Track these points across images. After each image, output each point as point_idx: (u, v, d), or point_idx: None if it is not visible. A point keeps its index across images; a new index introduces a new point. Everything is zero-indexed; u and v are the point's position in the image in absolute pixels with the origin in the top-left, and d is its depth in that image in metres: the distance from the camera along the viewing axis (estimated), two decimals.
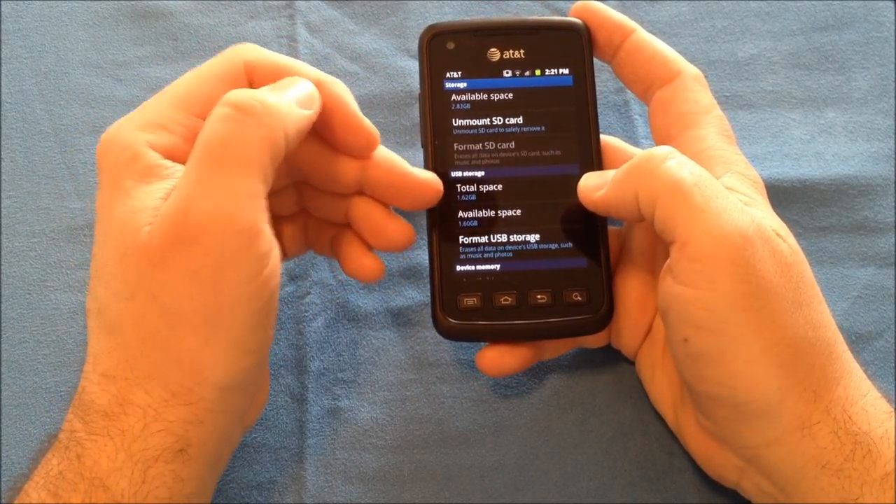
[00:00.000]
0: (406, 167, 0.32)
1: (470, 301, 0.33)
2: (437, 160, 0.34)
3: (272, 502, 0.35)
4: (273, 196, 0.34)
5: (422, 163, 0.34)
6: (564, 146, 0.34)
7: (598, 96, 0.35)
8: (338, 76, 0.32)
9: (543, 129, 0.34)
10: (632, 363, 0.36)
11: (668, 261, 0.30)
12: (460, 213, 0.34)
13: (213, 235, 0.26)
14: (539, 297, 0.33)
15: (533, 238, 0.34)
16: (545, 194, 0.34)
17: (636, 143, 0.41)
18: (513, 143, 0.34)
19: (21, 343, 0.37)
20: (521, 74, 0.35)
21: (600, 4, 0.35)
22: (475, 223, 0.34)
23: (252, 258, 0.27)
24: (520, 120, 0.34)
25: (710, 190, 0.29)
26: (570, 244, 0.34)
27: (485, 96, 0.35)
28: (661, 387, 0.34)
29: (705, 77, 0.34)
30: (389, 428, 0.36)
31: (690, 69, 0.34)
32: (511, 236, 0.34)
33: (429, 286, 0.34)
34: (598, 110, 0.35)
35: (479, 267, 0.33)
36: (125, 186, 0.28)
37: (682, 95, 0.33)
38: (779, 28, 0.44)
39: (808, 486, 0.28)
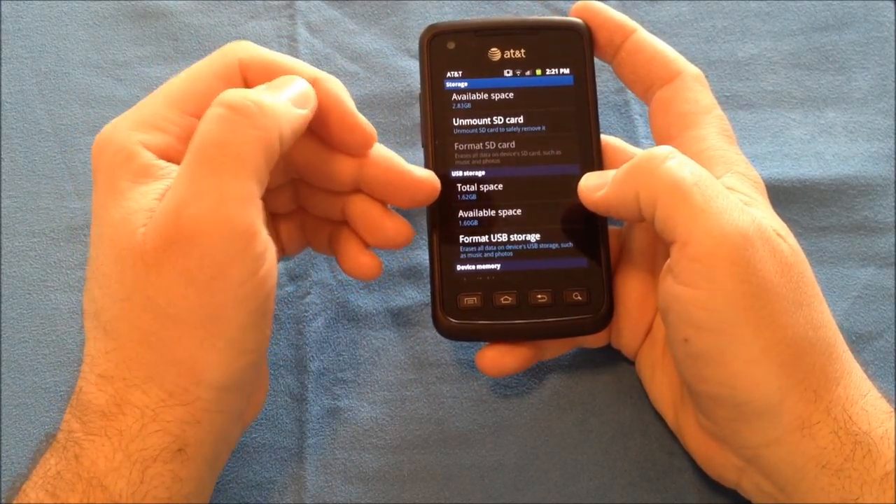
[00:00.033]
0: (403, 165, 0.32)
1: (470, 301, 0.33)
2: (438, 160, 0.34)
3: (272, 502, 0.35)
4: (270, 194, 0.34)
5: (422, 162, 0.34)
6: (565, 146, 0.34)
7: (599, 96, 0.35)
8: (338, 76, 0.32)
9: (544, 128, 0.34)
10: (632, 363, 0.36)
11: (669, 261, 0.30)
12: (461, 213, 0.34)
13: (208, 237, 0.26)
14: (539, 296, 0.33)
15: (533, 238, 0.34)
16: (545, 194, 0.34)
17: (636, 143, 0.41)
18: (513, 143, 0.34)
19: (21, 343, 0.37)
20: (522, 74, 0.35)
21: (601, 4, 0.35)
22: (475, 223, 0.34)
23: (247, 259, 0.27)
24: (520, 120, 0.34)
25: (710, 190, 0.29)
26: (570, 244, 0.34)
27: (485, 96, 0.35)
28: (661, 387, 0.34)
29: (706, 77, 0.34)
30: (389, 428, 0.36)
31: (691, 69, 0.34)
32: (511, 236, 0.34)
33: (429, 286, 0.34)
34: (599, 110, 0.35)
35: (479, 266, 0.33)
36: (120, 187, 0.28)
37: (682, 95, 0.33)
38: (779, 28, 0.44)
39: (808, 486, 0.28)
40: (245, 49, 0.31)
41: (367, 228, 0.33)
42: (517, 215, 0.34)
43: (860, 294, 0.39)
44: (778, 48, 0.44)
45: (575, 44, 0.35)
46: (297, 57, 0.38)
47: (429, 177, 0.32)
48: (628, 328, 0.35)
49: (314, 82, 0.30)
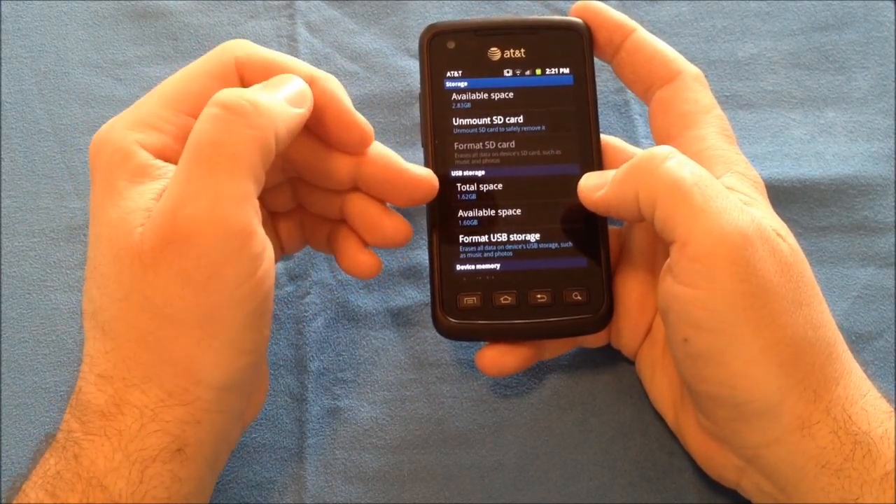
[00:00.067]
0: (401, 163, 0.32)
1: (470, 300, 0.33)
2: (438, 160, 0.34)
3: (272, 502, 0.35)
4: (269, 193, 0.34)
5: (422, 162, 0.34)
6: (565, 146, 0.34)
7: (599, 96, 0.35)
8: (338, 76, 0.32)
9: (544, 128, 0.34)
10: (632, 363, 0.36)
11: (668, 261, 0.30)
12: (460, 213, 0.34)
13: (205, 237, 0.26)
14: (539, 296, 0.33)
15: (533, 237, 0.34)
16: (545, 194, 0.34)
17: (636, 143, 0.41)
18: (513, 143, 0.34)
19: (21, 343, 0.37)
20: (522, 74, 0.35)
21: (601, 4, 0.35)
22: (475, 222, 0.34)
23: (245, 260, 0.27)
24: (520, 119, 0.34)
25: (710, 190, 0.29)
26: (570, 244, 0.34)
27: (485, 96, 0.35)
28: (661, 387, 0.34)
29: (705, 77, 0.34)
30: (389, 428, 0.36)
31: (691, 69, 0.34)
32: (511, 236, 0.34)
33: (429, 286, 0.34)
34: (599, 110, 0.35)
35: (479, 266, 0.33)
36: (118, 187, 0.28)
37: (682, 95, 0.33)
38: (779, 28, 0.44)
39: (808, 485, 0.28)
40: (242, 47, 0.31)
41: (366, 227, 0.33)
42: (517, 215, 0.34)
43: (860, 294, 0.39)
44: (778, 48, 0.44)
45: (575, 43, 0.35)
46: (296, 57, 0.38)
47: (427, 175, 0.32)
48: (628, 328, 0.35)
49: (311, 81, 0.30)
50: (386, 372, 0.37)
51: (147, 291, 0.27)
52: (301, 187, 0.35)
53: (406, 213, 0.34)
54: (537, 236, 0.34)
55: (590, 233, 0.34)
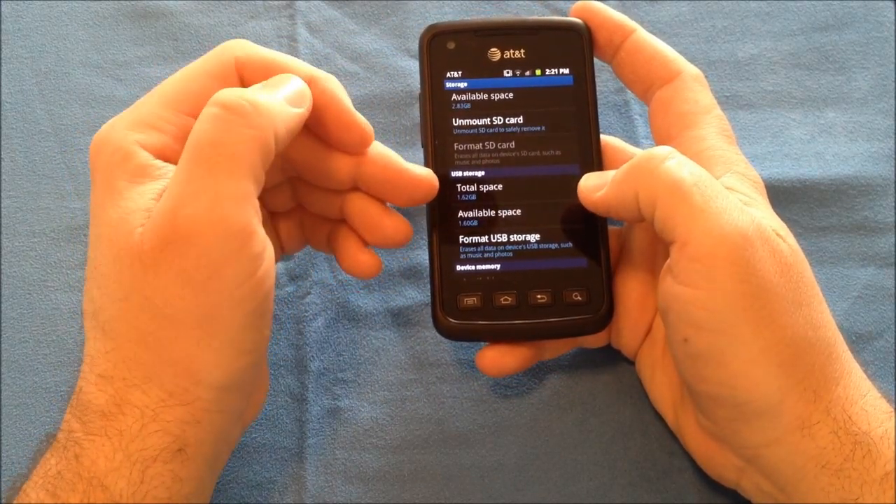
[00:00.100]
0: (401, 163, 0.32)
1: (470, 301, 0.33)
2: (438, 160, 0.34)
3: (272, 502, 0.35)
4: (269, 192, 0.34)
5: (422, 162, 0.34)
6: (564, 146, 0.34)
7: (599, 96, 0.35)
8: (338, 76, 0.32)
9: (544, 128, 0.34)
10: (632, 363, 0.36)
11: (668, 261, 0.30)
12: (460, 213, 0.34)
13: (205, 238, 0.26)
14: (539, 296, 0.33)
15: (533, 238, 0.34)
16: (545, 194, 0.34)
17: (636, 143, 0.41)
18: (513, 143, 0.34)
19: (21, 343, 0.37)
20: (522, 74, 0.35)
21: (600, 4, 0.35)
22: (475, 223, 0.34)
23: (245, 260, 0.27)
24: (520, 120, 0.34)
25: (709, 190, 0.29)
26: (570, 244, 0.34)
27: (485, 96, 0.35)
28: (661, 387, 0.34)
29: (705, 77, 0.34)
30: (389, 428, 0.36)
31: (691, 69, 0.34)
32: (511, 236, 0.34)
33: (429, 286, 0.34)
34: (599, 110, 0.35)
35: (479, 267, 0.33)
36: (118, 187, 0.28)
37: (682, 95, 0.33)
38: (779, 28, 0.44)
39: (808, 486, 0.28)
40: (241, 47, 0.31)
41: (366, 227, 0.33)
42: (517, 215, 0.34)
43: (860, 294, 0.39)
44: (778, 48, 0.44)
45: (574, 44, 0.35)
46: (297, 57, 0.38)
47: (427, 175, 0.32)
48: (628, 328, 0.35)
49: (311, 81, 0.30)
50: (386, 372, 0.37)
51: (147, 291, 0.27)
52: (301, 187, 0.35)
53: (406, 213, 0.34)
54: (537, 237, 0.34)
55: (590, 233, 0.34)
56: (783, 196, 0.40)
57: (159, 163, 0.28)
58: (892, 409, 0.29)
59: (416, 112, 0.41)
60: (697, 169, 0.29)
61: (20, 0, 0.44)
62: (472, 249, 0.34)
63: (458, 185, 0.34)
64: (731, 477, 0.31)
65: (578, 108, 0.34)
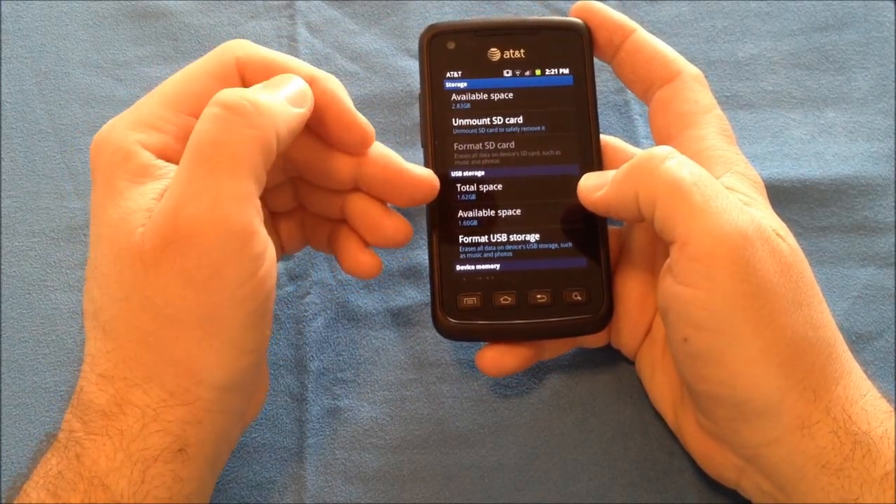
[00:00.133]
0: (402, 163, 0.32)
1: (470, 301, 0.33)
2: (437, 160, 0.34)
3: (272, 502, 0.35)
4: (270, 192, 0.34)
5: (422, 162, 0.34)
6: (564, 146, 0.34)
7: (599, 96, 0.35)
8: (338, 76, 0.32)
9: (543, 128, 0.34)
10: (632, 363, 0.36)
11: (668, 260, 0.30)
12: (460, 213, 0.34)
13: (206, 238, 0.26)
14: (539, 296, 0.33)
15: (533, 238, 0.34)
16: (545, 194, 0.34)
17: (636, 143, 0.41)
18: (513, 143, 0.34)
19: (21, 343, 0.37)
20: (522, 74, 0.35)
21: (600, 4, 0.35)
22: (475, 223, 0.34)
23: (246, 260, 0.27)
24: (520, 120, 0.34)
25: (709, 190, 0.29)
26: (569, 244, 0.34)
27: (485, 96, 0.35)
28: (661, 387, 0.34)
29: (705, 77, 0.34)
30: (389, 428, 0.36)
31: (690, 69, 0.34)
32: (511, 236, 0.34)
33: (429, 286, 0.34)
34: (599, 110, 0.35)
35: (478, 266, 0.33)
36: (119, 187, 0.28)
37: (682, 95, 0.33)
38: (779, 28, 0.44)
39: (808, 485, 0.28)
40: (242, 47, 0.31)
41: (367, 227, 0.33)
42: (517, 215, 0.34)
43: (860, 294, 0.39)
44: (778, 48, 0.44)
45: (574, 44, 0.35)
46: (297, 57, 0.38)
47: (427, 175, 0.32)
48: (628, 328, 0.35)
49: (312, 81, 0.30)
50: (386, 372, 0.37)
51: (148, 291, 0.27)
52: (302, 187, 0.35)
53: (406, 213, 0.34)
54: (537, 236, 0.34)
55: (590, 233, 0.34)
56: (783, 196, 0.40)
57: (160, 163, 0.28)
58: (892, 409, 0.29)
59: (416, 112, 0.41)
60: (697, 169, 0.29)
61: (20, 0, 0.44)
62: (471, 249, 0.34)
63: (458, 185, 0.34)
64: (731, 477, 0.31)
65: (578, 108, 0.34)
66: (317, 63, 0.42)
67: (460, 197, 0.34)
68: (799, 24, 0.44)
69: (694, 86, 0.33)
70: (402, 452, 0.36)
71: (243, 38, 0.31)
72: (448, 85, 0.35)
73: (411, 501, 0.35)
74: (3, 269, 0.39)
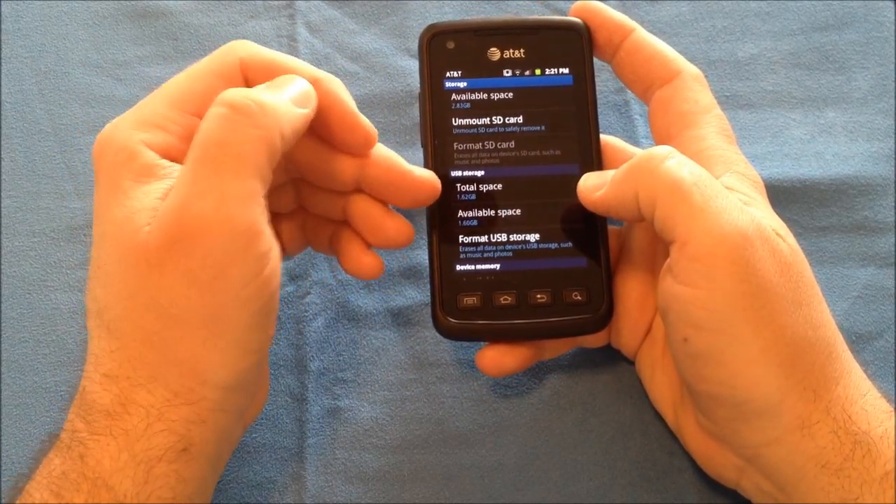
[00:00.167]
0: (404, 165, 0.32)
1: (470, 300, 0.33)
2: (437, 160, 0.34)
3: (272, 502, 0.35)
4: (271, 194, 0.34)
5: (422, 162, 0.34)
6: (564, 146, 0.34)
7: (599, 96, 0.35)
8: (338, 76, 0.32)
9: (543, 128, 0.34)
10: (632, 363, 0.36)
11: (668, 260, 0.30)
12: (460, 213, 0.34)
13: (212, 237, 0.26)
14: (539, 296, 0.33)
15: (533, 238, 0.34)
16: (545, 194, 0.34)
17: (636, 143, 0.41)
18: (513, 143, 0.34)
19: (21, 343, 0.37)
20: (521, 74, 0.35)
21: (600, 4, 0.35)
22: (475, 223, 0.34)
23: (251, 259, 0.27)
24: (520, 119, 0.34)
25: (709, 189, 0.29)
26: (569, 244, 0.34)
27: (485, 96, 0.35)
28: (661, 387, 0.34)
29: (705, 77, 0.34)
30: (389, 428, 0.36)
31: (690, 69, 0.34)
32: (511, 236, 0.34)
33: (429, 286, 0.34)
34: (599, 110, 0.35)
35: (478, 266, 0.33)
36: (122, 186, 0.28)
37: (682, 95, 0.33)
38: (779, 28, 0.44)
39: (808, 485, 0.28)
40: (246, 48, 0.31)
41: (369, 228, 0.33)
42: (517, 215, 0.34)
43: (860, 294, 0.39)
44: (778, 48, 0.44)
45: (574, 43, 0.35)
46: (297, 57, 0.38)
47: (430, 177, 0.33)
48: (628, 328, 0.35)
49: (315, 82, 0.30)
50: (386, 372, 0.37)
51: (153, 291, 0.27)
52: (304, 188, 0.35)
53: (406, 213, 0.34)
54: (537, 236, 0.34)
55: (589, 233, 0.34)
56: (783, 196, 0.40)
57: (165, 162, 0.28)
58: (892, 409, 0.29)
59: (416, 112, 0.41)
60: (697, 168, 0.29)
61: (20, 0, 0.44)
62: (471, 249, 0.34)
63: (458, 185, 0.34)
64: (731, 477, 0.31)
65: (578, 108, 0.34)
66: (317, 63, 0.42)
67: (460, 197, 0.34)
68: (799, 24, 0.44)
69: (694, 85, 0.33)
70: (402, 452, 0.36)
71: (243, 37, 0.32)
72: (448, 85, 0.35)
73: (411, 501, 0.35)
74: (3, 269, 0.39)
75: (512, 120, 0.34)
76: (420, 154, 0.35)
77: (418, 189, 0.32)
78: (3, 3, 0.44)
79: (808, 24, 0.44)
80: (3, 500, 0.34)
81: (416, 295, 0.39)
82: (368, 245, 0.34)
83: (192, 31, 0.44)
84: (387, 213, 0.33)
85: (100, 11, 0.44)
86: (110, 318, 0.27)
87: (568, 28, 0.35)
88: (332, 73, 0.32)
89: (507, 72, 0.35)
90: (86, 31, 0.44)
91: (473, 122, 0.34)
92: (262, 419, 0.36)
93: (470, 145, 0.34)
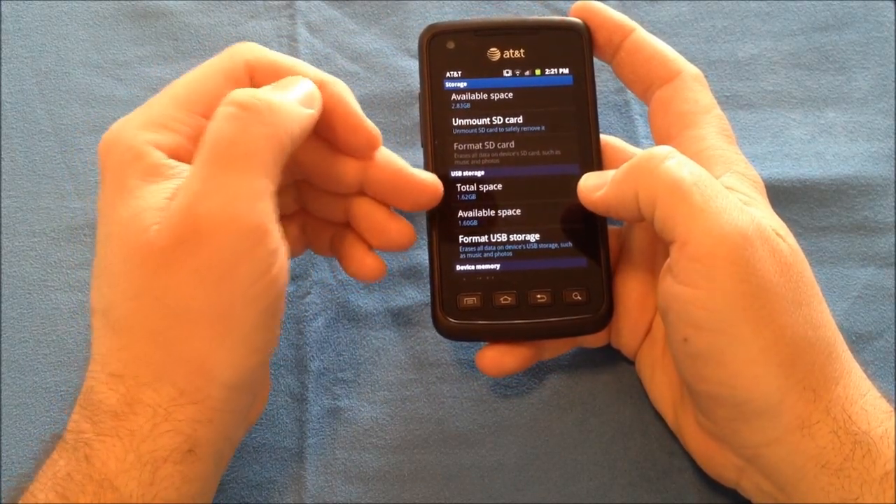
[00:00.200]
0: (407, 168, 0.33)
1: (470, 301, 0.33)
2: (437, 160, 0.34)
3: (272, 502, 0.35)
4: None
5: (422, 162, 0.34)
6: (564, 146, 0.34)
7: (599, 96, 0.35)
8: (338, 76, 0.32)
9: (543, 128, 0.34)
10: (632, 363, 0.36)
11: (668, 260, 0.30)
12: (460, 213, 0.34)
13: (222, 235, 0.26)
14: (539, 296, 0.33)
15: (533, 238, 0.34)
16: (545, 194, 0.34)
17: (636, 143, 0.41)
18: (513, 143, 0.34)
19: (21, 343, 0.37)
20: (521, 74, 0.35)
21: (600, 4, 0.35)
22: (475, 223, 0.34)
23: (260, 257, 0.27)
24: (520, 119, 0.34)
25: (709, 189, 0.29)
26: (569, 244, 0.34)
27: (485, 96, 0.35)
28: (661, 386, 0.34)
29: (705, 77, 0.34)
30: (389, 428, 0.36)
31: (690, 69, 0.34)
32: (511, 236, 0.34)
33: (429, 286, 0.34)
34: (599, 110, 0.35)
35: (478, 266, 0.33)
36: (129, 186, 0.28)
37: (682, 95, 0.33)
38: (779, 28, 0.44)
39: (808, 485, 0.28)
40: (252, 51, 0.31)
41: (372, 231, 0.33)
42: (517, 215, 0.34)
43: (860, 294, 0.39)
44: (778, 48, 0.44)
45: (574, 44, 0.35)
46: (297, 57, 0.38)
47: (433, 180, 0.33)
48: (628, 328, 0.35)
49: (320, 85, 0.31)
50: (386, 372, 0.37)
51: (160, 289, 0.27)
52: (306, 190, 0.35)
53: (406, 214, 0.34)
54: (537, 236, 0.34)
55: (589, 233, 0.34)
56: (783, 196, 0.40)
57: (172, 162, 0.29)
58: (892, 409, 0.29)
59: (416, 112, 0.41)
60: (697, 168, 0.29)
61: (20, 0, 0.44)
62: (471, 249, 0.34)
63: (458, 185, 0.34)
64: (731, 477, 0.31)
65: (578, 108, 0.34)
66: (317, 63, 0.42)
67: (460, 197, 0.34)
68: (799, 24, 0.44)
69: (694, 85, 0.33)
70: (402, 452, 0.36)
71: (243, 37, 0.32)
72: (448, 85, 0.35)
73: (411, 501, 0.35)
74: (3, 269, 0.39)
75: (512, 120, 0.34)
76: (420, 154, 0.35)
77: (421, 192, 0.32)
78: (3, 3, 0.44)
79: (809, 25, 0.44)
80: (3, 501, 0.34)
81: (416, 295, 0.39)
82: (370, 247, 0.34)
83: (193, 31, 0.44)
84: (390, 215, 0.33)
85: (100, 11, 0.44)
86: (116, 317, 0.27)
87: (568, 28, 0.35)
88: (332, 73, 0.32)
89: (507, 72, 0.35)
90: (86, 31, 0.44)
91: (473, 122, 0.34)
92: (262, 419, 0.36)
93: (470, 145, 0.34)
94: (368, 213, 0.33)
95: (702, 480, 0.34)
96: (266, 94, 0.28)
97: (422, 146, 0.35)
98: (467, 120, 0.34)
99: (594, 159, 0.34)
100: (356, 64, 0.43)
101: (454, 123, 0.34)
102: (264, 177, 0.27)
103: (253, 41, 0.31)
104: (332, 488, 0.35)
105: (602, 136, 0.35)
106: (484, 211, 0.34)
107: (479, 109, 0.34)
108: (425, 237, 0.34)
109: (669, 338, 0.30)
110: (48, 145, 0.41)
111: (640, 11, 0.45)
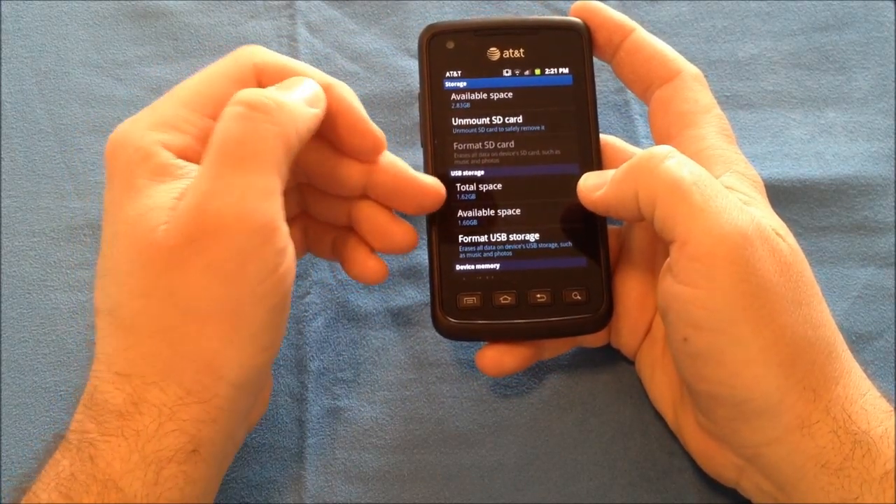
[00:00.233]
0: (410, 171, 0.33)
1: (469, 300, 0.33)
2: (437, 160, 0.34)
3: (272, 502, 0.35)
4: None
5: (421, 162, 0.34)
6: (564, 146, 0.34)
7: (598, 96, 0.35)
8: (338, 76, 0.32)
9: (543, 128, 0.34)
10: (632, 363, 0.36)
11: (668, 260, 0.30)
12: (460, 213, 0.34)
13: (232, 232, 0.26)
14: (539, 296, 0.33)
15: (532, 237, 0.34)
16: (545, 194, 0.34)
17: (636, 143, 0.41)
18: (512, 143, 0.34)
19: (21, 343, 0.37)
20: (521, 74, 0.35)
21: (600, 4, 0.35)
22: (475, 222, 0.34)
23: (269, 255, 0.27)
24: (519, 119, 0.34)
25: (709, 189, 0.29)
26: (569, 243, 0.34)
27: (484, 96, 0.35)
28: (661, 386, 0.34)
29: (705, 77, 0.34)
30: (389, 428, 0.36)
31: (690, 68, 0.34)
32: (511, 235, 0.34)
33: (429, 286, 0.34)
34: (599, 110, 0.35)
35: (478, 266, 0.33)
36: (137, 185, 0.28)
37: (681, 95, 0.33)
38: (779, 28, 0.44)
39: (808, 485, 0.28)
40: (259, 54, 0.31)
41: (375, 234, 0.33)
42: (516, 215, 0.34)
43: (860, 294, 0.39)
44: (778, 48, 0.44)
45: (574, 43, 0.35)
46: (296, 57, 0.38)
47: (435, 184, 0.33)
48: (628, 328, 0.35)
49: (326, 88, 0.31)
50: (386, 372, 0.37)
51: (170, 288, 0.27)
52: (309, 193, 0.35)
53: (406, 215, 0.34)
54: (537, 236, 0.34)
55: (589, 232, 0.34)
56: (783, 196, 0.40)
57: (181, 162, 0.29)
58: (892, 408, 0.29)
59: (415, 112, 0.41)
60: (697, 168, 0.29)
61: (20, 0, 0.44)
62: (471, 249, 0.34)
63: (458, 185, 0.34)
64: (731, 476, 0.31)
65: (578, 108, 0.34)
66: (317, 63, 0.42)
67: (460, 196, 0.34)
68: (799, 24, 0.44)
69: (694, 85, 0.33)
70: (402, 452, 0.36)
71: (243, 37, 0.32)
72: (448, 84, 0.35)
73: (411, 501, 0.35)
74: (3, 269, 0.39)
75: (512, 120, 0.34)
76: (420, 154, 0.35)
77: (424, 195, 0.33)
78: (3, 3, 0.44)
79: (809, 24, 0.44)
80: (4, 500, 0.34)
81: (416, 295, 0.39)
82: (372, 250, 0.34)
83: (193, 31, 0.44)
84: (393, 218, 0.33)
85: (100, 11, 0.44)
86: (123, 316, 0.27)
87: (568, 28, 0.35)
88: (332, 73, 0.32)
89: (507, 72, 0.35)
90: (86, 31, 0.44)
91: (473, 121, 0.34)
92: (262, 419, 0.36)
93: (470, 145, 0.34)
94: (371, 217, 0.33)
95: (702, 480, 0.34)
96: (274, 93, 0.28)
97: (422, 146, 0.35)
98: (467, 120, 0.34)
99: (594, 159, 0.34)
100: (356, 64, 0.43)
101: (454, 123, 0.34)
102: (273, 175, 0.27)
103: (253, 41, 0.32)
104: (332, 488, 0.35)
105: (602, 136, 0.35)
106: (484, 210, 0.34)
107: (478, 109, 0.34)
108: (425, 237, 0.34)
109: (669, 337, 0.30)
110: (48, 145, 0.41)
111: (640, 11, 0.45)
